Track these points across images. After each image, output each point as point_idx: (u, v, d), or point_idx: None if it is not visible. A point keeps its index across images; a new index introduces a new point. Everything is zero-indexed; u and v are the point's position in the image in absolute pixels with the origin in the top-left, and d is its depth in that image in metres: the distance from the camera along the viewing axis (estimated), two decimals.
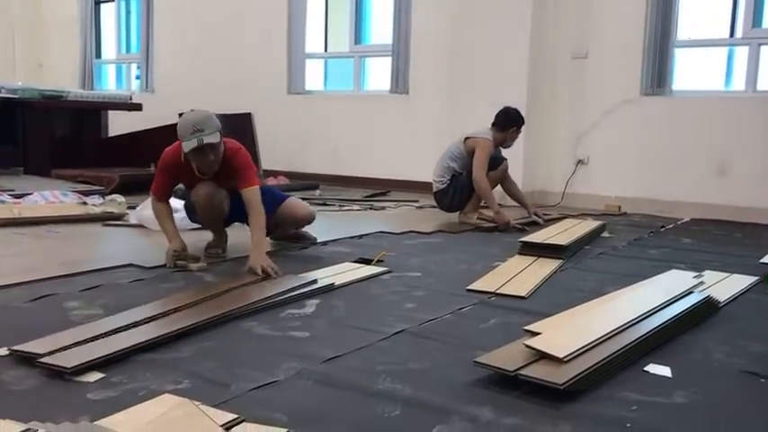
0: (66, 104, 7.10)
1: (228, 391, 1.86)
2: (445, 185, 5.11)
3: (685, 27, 6.09)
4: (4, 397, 1.79)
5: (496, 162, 5.12)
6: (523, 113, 5.17)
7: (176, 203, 4.51)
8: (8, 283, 2.87)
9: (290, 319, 2.56)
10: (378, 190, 6.85)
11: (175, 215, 4.34)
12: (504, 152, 5.26)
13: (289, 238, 4.00)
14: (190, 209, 3.74)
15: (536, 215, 5.17)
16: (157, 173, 3.53)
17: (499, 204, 4.96)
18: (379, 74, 7.64)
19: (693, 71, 6.22)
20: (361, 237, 4.30)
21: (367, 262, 3.54)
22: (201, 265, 3.35)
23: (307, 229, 4.03)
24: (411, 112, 7.10)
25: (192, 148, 3.19)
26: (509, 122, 5.06)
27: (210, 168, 3.37)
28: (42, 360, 1.96)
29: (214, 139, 3.22)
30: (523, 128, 5.18)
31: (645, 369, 2.13)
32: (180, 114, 3.60)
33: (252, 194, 3.35)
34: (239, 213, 3.53)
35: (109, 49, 9.97)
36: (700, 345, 2.40)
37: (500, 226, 4.84)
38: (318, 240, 4.04)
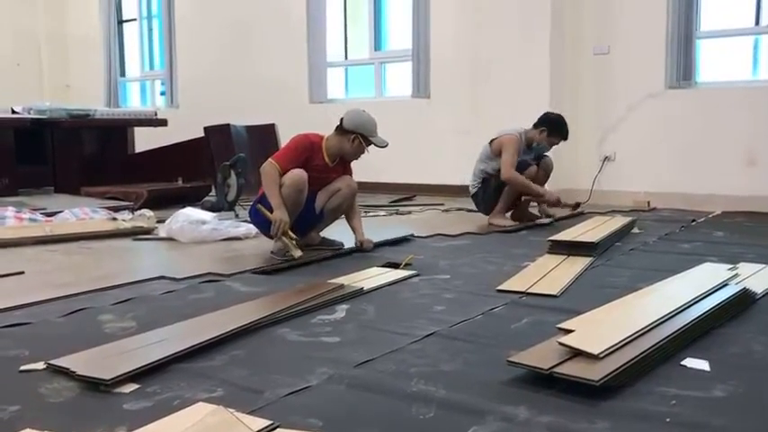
0: (93, 123, 7.22)
1: (262, 397, 1.86)
2: (477, 189, 5.16)
3: (708, 17, 6.00)
4: (42, 410, 1.81)
5: (536, 161, 5.13)
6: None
7: (204, 215, 4.56)
8: (43, 299, 2.91)
9: (320, 325, 2.56)
10: (403, 195, 6.85)
11: (204, 227, 4.39)
12: None
13: (317, 244, 4.04)
14: (256, 214, 3.89)
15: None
16: (291, 148, 3.84)
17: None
18: (399, 79, 7.65)
19: (718, 62, 6.13)
20: (389, 241, 4.29)
21: (395, 266, 3.54)
22: (302, 254, 3.57)
23: (334, 235, 4.10)
24: (433, 115, 7.09)
25: (384, 144, 3.88)
26: (540, 122, 5.06)
27: (358, 158, 3.99)
28: (80, 372, 1.99)
29: None
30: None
31: (682, 363, 2.09)
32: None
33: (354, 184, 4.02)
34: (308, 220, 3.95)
35: (132, 67, 10.13)
36: (737, 337, 2.35)
37: (552, 203, 5.06)
38: (346, 246, 4.05)
